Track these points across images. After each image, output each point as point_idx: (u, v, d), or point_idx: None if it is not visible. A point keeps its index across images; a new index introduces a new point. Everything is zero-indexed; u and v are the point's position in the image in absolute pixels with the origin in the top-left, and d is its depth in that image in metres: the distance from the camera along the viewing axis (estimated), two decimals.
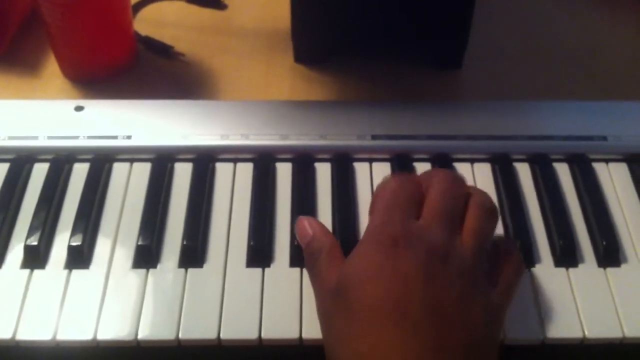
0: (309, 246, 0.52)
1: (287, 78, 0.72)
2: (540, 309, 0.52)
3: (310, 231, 0.53)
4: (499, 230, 0.56)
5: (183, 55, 0.74)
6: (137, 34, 0.74)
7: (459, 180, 0.53)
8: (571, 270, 0.54)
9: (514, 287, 0.50)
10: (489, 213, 0.51)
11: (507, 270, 0.50)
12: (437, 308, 0.45)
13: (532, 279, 0.53)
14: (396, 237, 0.48)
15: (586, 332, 0.51)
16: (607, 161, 0.61)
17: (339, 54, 0.72)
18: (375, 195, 0.53)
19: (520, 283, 0.51)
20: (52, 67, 0.72)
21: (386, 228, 0.49)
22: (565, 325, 0.51)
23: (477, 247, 0.49)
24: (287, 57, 0.73)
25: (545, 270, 0.54)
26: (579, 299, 0.52)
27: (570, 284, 0.53)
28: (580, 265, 0.54)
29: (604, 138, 0.61)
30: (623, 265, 0.54)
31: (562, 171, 0.60)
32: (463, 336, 0.45)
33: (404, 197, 0.51)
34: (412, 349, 0.44)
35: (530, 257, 0.54)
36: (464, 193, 0.52)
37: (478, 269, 0.48)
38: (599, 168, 0.60)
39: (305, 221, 0.54)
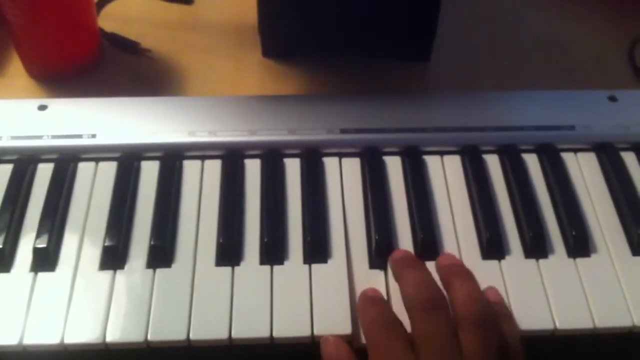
0: None
1: (255, 73, 0.71)
2: (510, 301, 0.52)
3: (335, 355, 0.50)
4: (470, 223, 0.56)
5: (149, 51, 0.73)
6: (102, 31, 0.73)
7: (440, 296, 0.49)
8: (541, 261, 0.54)
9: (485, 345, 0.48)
10: (483, 323, 0.48)
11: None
12: None
13: (503, 271, 0.53)
14: None
15: (557, 323, 0.51)
16: (575, 151, 0.61)
17: (307, 48, 0.72)
18: (370, 347, 0.49)
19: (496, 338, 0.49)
20: (15, 66, 0.71)
21: None
22: (536, 317, 0.51)
23: None
24: (255, 52, 0.72)
25: (516, 262, 0.54)
26: (549, 290, 0.52)
27: (541, 275, 0.53)
28: (550, 256, 0.54)
29: (572, 127, 0.61)
30: (593, 255, 0.54)
31: (531, 162, 0.60)
32: None
33: (399, 346, 0.48)
34: None
35: (500, 249, 0.54)
36: (448, 309, 0.49)
37: None
38: (568, 158, 0.60)
39: (332, 345, 0.50)
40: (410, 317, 0.49)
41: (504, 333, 0.49)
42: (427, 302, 0.49)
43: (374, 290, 0.52)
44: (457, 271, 0.52)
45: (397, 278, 0.52)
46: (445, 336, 0.47)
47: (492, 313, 0.49)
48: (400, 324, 0.50)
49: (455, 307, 0.49)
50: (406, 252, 0.54)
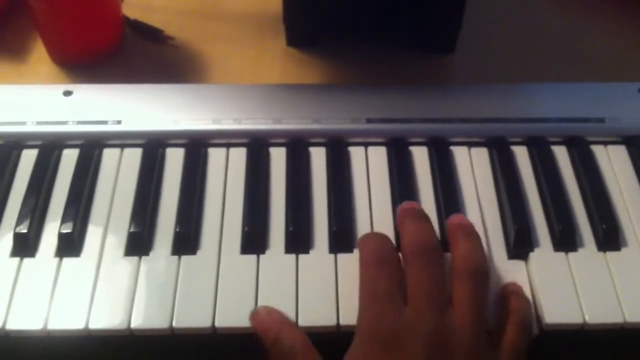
0: (277, 342, 0.47)
1: (277, 62, 0.71)
2: (538, 294, 0.51)
3: (274, 326, 0.48)
4: (497, 215, 0.56)
5: (172, 39, 0.72)
6: (125, 18, 0.72)
7: (435, 250, 0.50)
8: (570, 254, 0.53)
9: (522, 344, 0.49)
10: (477, 278, 0.49)
11: (511, 330, 0.49)
12: None
13: (530, 263, 0.53)
14: (388, 338, 0.46)
15: (586, 318, 0.50)
16: (605, 143, 0.60)
17: (331, 37, 0.71)
18: (366, 271, 0.50)
19: (529, 342, 0.49)
20: (39, 52, 0.71)
21: (376, 326, 0.47)
22: (564, 311, 0.50)
23: (474, 318, 0.47)
24: (278, 40, 0.72)
25: (544, 255, 0.53)
26: (578, 283, 0.51)
27: (570, 269, 0.52)
28: (580, 250, 0.54)
29: (602, 120, 0.60)
30: (623, 249, 0.54)
31: (560, 154, 0.59)
32: None
33: (385, 283, 0.49)
34: None
35: (528, 242, 0.54)
36: (442, 259, 0.50)
37: (479, 342, 0.47)
38: (597, 150, 0.59)
39: (264, 314, 0.49)
40: (404, 262, 0.50)
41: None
42: (420, 246, 0.50)
43: (376, 235, 0.53)
44: (464, 230, 0.52)
45: (400, 227, 0.52)
46: (435, 283, 0.48)
47: (487, 273, 0.50)
48: (397, 263, 0.50)
49: (454, 260, 0.50)
50: (413, 203, 0.54)
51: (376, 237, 0.52)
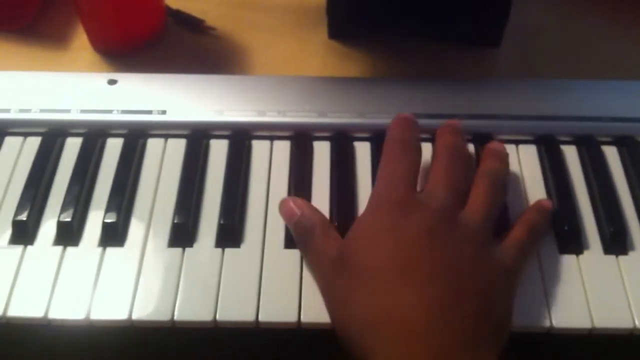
0: (299, 224, 0.52)
1: (318, 54, 0.70)
2: (588, 297, 0.50)
3: (297, 210, 0.52)
4: None
5: (213, 29, 0.72)
6: (167, 7, 0.72)
7: (463, 152, 0.54)
8: (621, 257, 0.52)
9: (527, 244, 0.50)
10: (497, 181, 0.52)
11: (519, 229, 0.51)
12: (444, 266, 0.46)
13: (580, 266, 0.52)
14: (400, 202, 0.49)
15: (637, 323, 0.49)
16: None
17: (374, 30, 0.70)
18: (388, 149, 0.53)
19: (537, 238, 0.52)
20: (80, 40, 0.70)
21: (390, 195, 0.50)
22: (616, 315, 0.49)
23: (483, 214, 0.50)
24: (319, 32, 0.71)
25: (594, 258, 0.52)
26: (629, 288, 0.50)
27: (620, 272, 0.51)
28: (631, 253, 0.52)
29: None
30: None
31: (610, 154, 0.58)
32: (470, 292, 0.45)
33: (408, 168, 0.52)
34: (420, 306, 0.44)
35: (578, 244, 0.53)
36: (469, 164, 0.54)
37: (484, 232, 0.49)
38: None
39: (290, 202, 0.53)
40: (433, 158, 0.54)
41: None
42: (453, 146, 0.54)
43: (409, 115, 0.56)
44: (499, 153, 0.55)
45: (437, 137, 0.56)
46: (455, 175, 0.52)
47: (506, 183, 0.54)
48: (419, 149, 0.53)
49: (479, 168, 0.54)
50: (454, 120, 0.57)
51: (402, 124, 0.55)
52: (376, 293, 0.46)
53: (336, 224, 0.53)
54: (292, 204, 0.53)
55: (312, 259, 0.51)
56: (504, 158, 0.55)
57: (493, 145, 0.56)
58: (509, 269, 0.48)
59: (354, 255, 0.48)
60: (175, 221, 0.53)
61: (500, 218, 0.52)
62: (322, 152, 0.58)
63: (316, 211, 0.52)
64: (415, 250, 0.46)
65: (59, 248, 0.52)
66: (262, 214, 0.54)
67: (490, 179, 0.52)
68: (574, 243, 0.53)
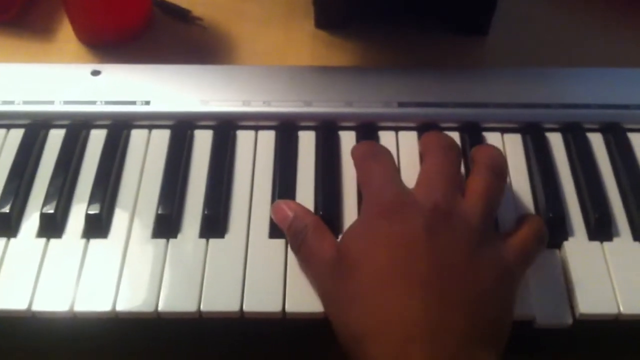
0: (292, 227, 0.51)
1: (306, 44, 0.70)
2: (573, 283, 0.50)
3: (290, 212, 0.52)
4: (530, 203, 0.54)
5: (200, 19, 0.71)
6: None
7: (453, 143, 0.53)
8: (605, 244, 0.52)
9: (531, 245, 0.49)
10: (495, 172, 0.51)
11: (524, 233, 0.49)
12: (442, 265, 0.45)
13: (566, 253, 0.51)
14: (394, 203, 0.48)
15: (621, 308, 0.49)
16: None
17: (361, 19, 0.70)
18: (362, 166, 0.53)
19: (540, 245, 0.50)
20: (65, 31, 0.70)
21: (382, 197, 0.49)
22: (599, 301, 0.49)
23: (483, 208, 0.48)
24: (306, 22, 0.71)
25: (579, 244, 0.52)
26: (613, 273, 0.50)
27: (605, 258, 0.51)
28: (615, 239, 0.52)
29: None
30: None
31: (596, 141, 0.58)
32: (470, 291, 0.45)
33: (383, 170, 0.51)
34: (418, 305, 0.44)
35: (563, 231, 0.52)
36: (459, 159, 0.52)
37: (484, 228, 0.48)
38: (635, 138, 0.58)
39: (282, 204, 0.53)
40: (423, 158, 0.53)
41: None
42: (444, 143, 0.53)
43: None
44: (488, 145, 0.55)
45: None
46: (448, 171, 0.50)
47: (505, 174, 0.52)
48: (389, 154, 0.53)
49: (475, 158, 0.52)
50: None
51: (366, 141, 0.56)
52: (375, 297, 0.45)
53: (321, 213, 0.53)
54: (284, 206, 0.52)
55: (306, 261, 0.50)
56: (499, 151, 0.53)
57: (487, 146, 0.56)
58: (510, 266, 0.47)
59: (352, 261, 0.47)
60: (159, 212, 0.53)
61: None
62: (307, 141, 0.58)
63: (309, 212, 0.52)
64: (414, 253, 0.46)
65: (42, 240, 0.52)
66: (247, 204, 0.54)
67: (489, 171, 0.51)
68: (559, 230, 0.52)
